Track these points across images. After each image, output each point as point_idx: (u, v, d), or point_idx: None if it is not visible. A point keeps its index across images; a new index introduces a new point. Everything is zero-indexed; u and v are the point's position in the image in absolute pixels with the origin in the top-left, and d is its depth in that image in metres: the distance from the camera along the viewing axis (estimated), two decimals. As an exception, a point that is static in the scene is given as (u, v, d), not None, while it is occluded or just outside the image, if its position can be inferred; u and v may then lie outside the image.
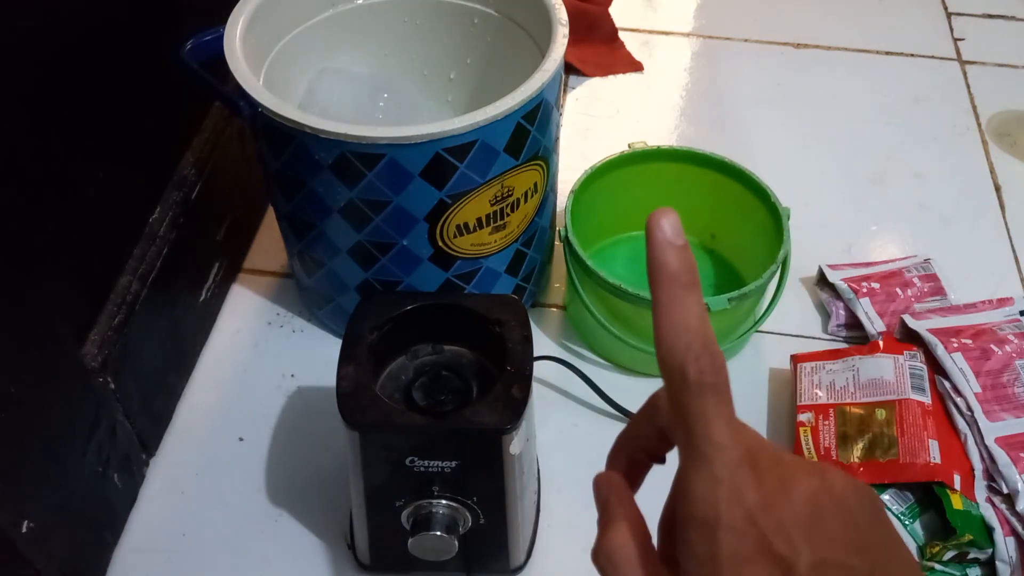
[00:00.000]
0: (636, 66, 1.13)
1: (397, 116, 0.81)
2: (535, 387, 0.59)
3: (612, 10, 1.17)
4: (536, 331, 0.80)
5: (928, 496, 0.68)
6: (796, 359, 0.78)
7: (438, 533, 0.58)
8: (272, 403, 0.77)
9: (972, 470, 0.69)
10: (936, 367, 0.75)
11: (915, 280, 0.84)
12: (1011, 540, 0.65)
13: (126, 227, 0.69)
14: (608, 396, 0.76)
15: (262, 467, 0.73)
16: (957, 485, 0.66)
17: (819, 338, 0.84)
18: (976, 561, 0.66)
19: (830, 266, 0.87)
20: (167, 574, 0.67)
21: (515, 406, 0.56)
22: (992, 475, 0.69)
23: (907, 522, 0.67)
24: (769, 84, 1.12)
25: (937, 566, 0.65)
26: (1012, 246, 0.93)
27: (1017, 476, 0.67)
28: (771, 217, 0.80)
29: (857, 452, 0.69)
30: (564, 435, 0.75)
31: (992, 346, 0.75)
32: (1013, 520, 0.66)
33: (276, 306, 0.85)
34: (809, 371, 0.76)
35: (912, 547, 0.65)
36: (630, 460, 0.36)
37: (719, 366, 0.29)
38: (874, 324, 0.81)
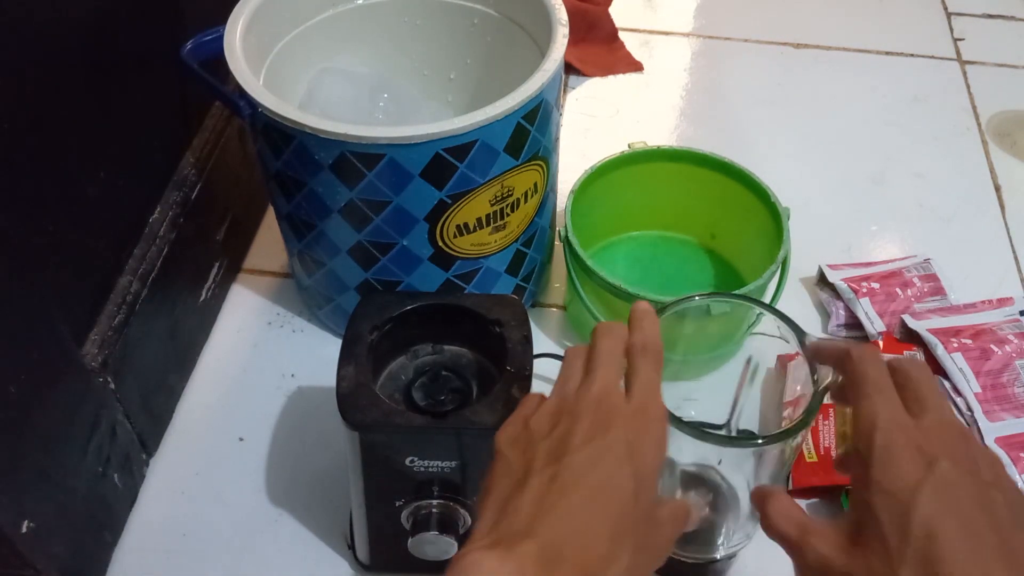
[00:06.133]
0: (636, 66, 1.13)
1: (397, 116, 0.81)
2: (535, 387, 0.59)
3: (612, 10, 1.17)
4: (536, 331, 0.80)
5: (928, 496, 0.68)
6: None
7: (438, 533, 0.58)
8: (272, 403, 0.77)
9: (972, 470, 0.69)
10: (936, 367, 0.75)
11: (915, 280, 0.84)
12: (1011, 540, 0.65)
13: (126, 227, 0.69)
14: (608, 396, 0.76)
15: (262, 467, 0.73)
16: (957, 485, 0.66)
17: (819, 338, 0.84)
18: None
19: (830, 266, 0.87)
20: (167, 574, 0.67)
21: (515, 406, 0.56)
22: (992, 475, 0.69)
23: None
24: (769, 84, 1.12)
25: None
26: (1012, 246, 0.93)
27: (1017, 476, 0.67)
28: (771, 217, 0.80)
29: (857, 452, 0.69)
30: (564, 435, 0.75)
31: (992, 346, 0.75)
32: (1013, 520, 0.66)
33: (276, 306, 0.85)
34: (809, 371, 0.76)
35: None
36: None
37: None
38: (874, 324, 0.81)
